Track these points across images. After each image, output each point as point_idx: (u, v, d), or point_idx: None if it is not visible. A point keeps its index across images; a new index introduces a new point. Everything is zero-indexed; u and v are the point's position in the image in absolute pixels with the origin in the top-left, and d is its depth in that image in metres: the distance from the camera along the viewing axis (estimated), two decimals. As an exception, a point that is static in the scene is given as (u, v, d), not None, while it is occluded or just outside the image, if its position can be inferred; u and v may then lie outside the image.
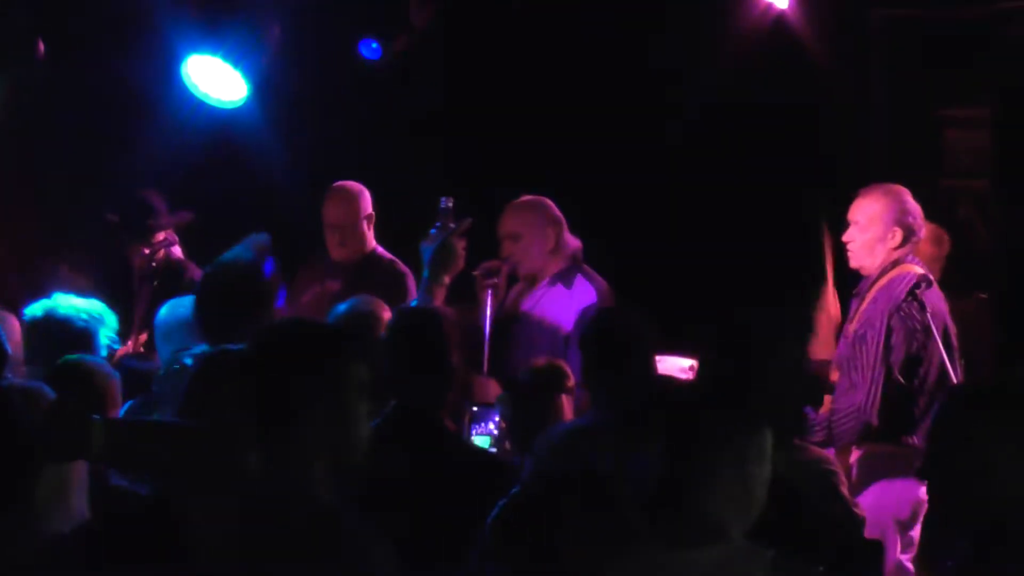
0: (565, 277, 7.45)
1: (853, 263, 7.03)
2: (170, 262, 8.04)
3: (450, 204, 6.57)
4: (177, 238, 8.13)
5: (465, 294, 7.21)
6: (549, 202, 7.57)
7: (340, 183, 8.01)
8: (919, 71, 9.39)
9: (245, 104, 8.49)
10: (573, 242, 7.54)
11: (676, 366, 7.12)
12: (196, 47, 8.31)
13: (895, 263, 6.85)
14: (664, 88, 9.27)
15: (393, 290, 7.32)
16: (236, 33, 8.21)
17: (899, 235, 6.86)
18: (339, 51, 8.66)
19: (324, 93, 9.42)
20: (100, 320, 6.23)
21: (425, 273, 6.48)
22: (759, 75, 9.14)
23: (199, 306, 5.66)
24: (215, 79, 8.38)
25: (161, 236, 8.03)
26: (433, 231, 6.54)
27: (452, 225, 6.56)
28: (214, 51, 8.27)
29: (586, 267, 7.52)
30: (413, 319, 5.44)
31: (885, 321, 6.68)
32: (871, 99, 9.41)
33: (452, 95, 9.61)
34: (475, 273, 7.30)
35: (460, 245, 6.54)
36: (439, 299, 6.45)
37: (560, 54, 9.44)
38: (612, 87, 9.40)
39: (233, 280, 5.61)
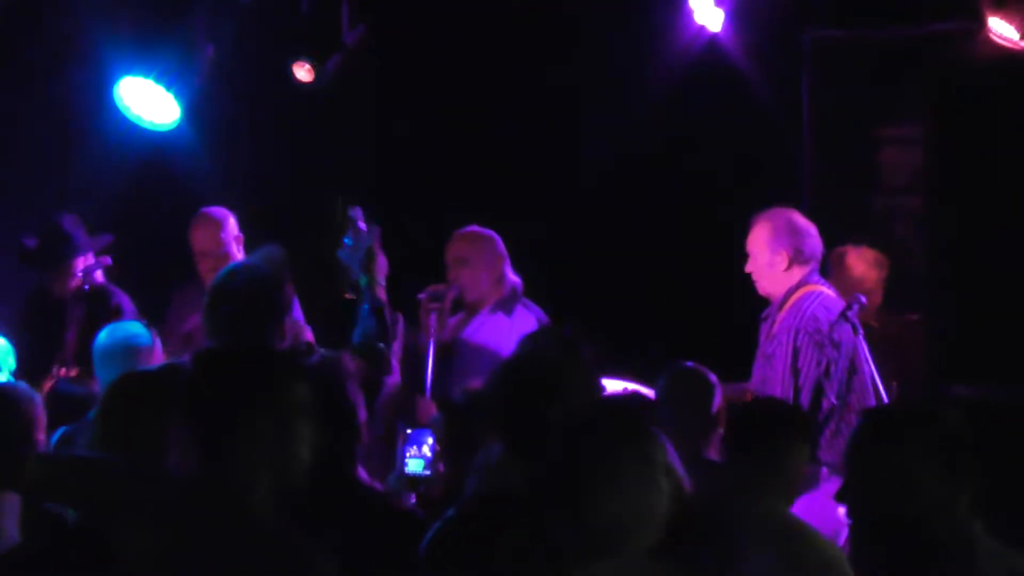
0: (506, 306, 7.51)
1: (760, 291, 7.08)
2: (94, 289, 7.97)
3: (359, 213, 6.65)
4: (96, 262, 8.04)
5: (409, 317, 7.22)
6: (494, 235, 7.64)
7: (206, 209, 8.03)
8: (852, 91, 9.44)
9: (177, 126, 8.45)
10: (514, 278, 7.60)
11: (613, 388, 7.14)
12: (129, 69, 8.27)
13: (799, 285, 6.89)
14: (592, 112, 9.33)
15: None
16: (168, 55, 8.17)
17: (785, 257, 6.91)
18: (271, 72, 8.62)
19: (256, 114, 9.41)
20: None
21: (363, 280, 6.52)
22: (692, 97, 9.18)
23: (217, 310, 5.56)
24: (148, 101, 8.33)
25: (81, 263, 7.95)
26: (347, 240, 6.56)
27: (365, 230, 6.62)
28: (146, 73, 8.22)
29: (526, 300, 7.57)
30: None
31: (791, 341, 6.72)
32: (804, 120, 9.45)
33: (384, 113, 9.63)
34: (420, 296, 7.34)
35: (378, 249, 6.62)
36: (383, 296, 6.58)
37: (489, 75, 9.46)
38: (541, 107, 9.43)
39: (253, 288, 5.54)
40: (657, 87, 9.13)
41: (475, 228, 7.67)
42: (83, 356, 6.93)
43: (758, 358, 6.95)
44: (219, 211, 8.03)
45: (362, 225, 6.77)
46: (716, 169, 9.14)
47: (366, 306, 6.73)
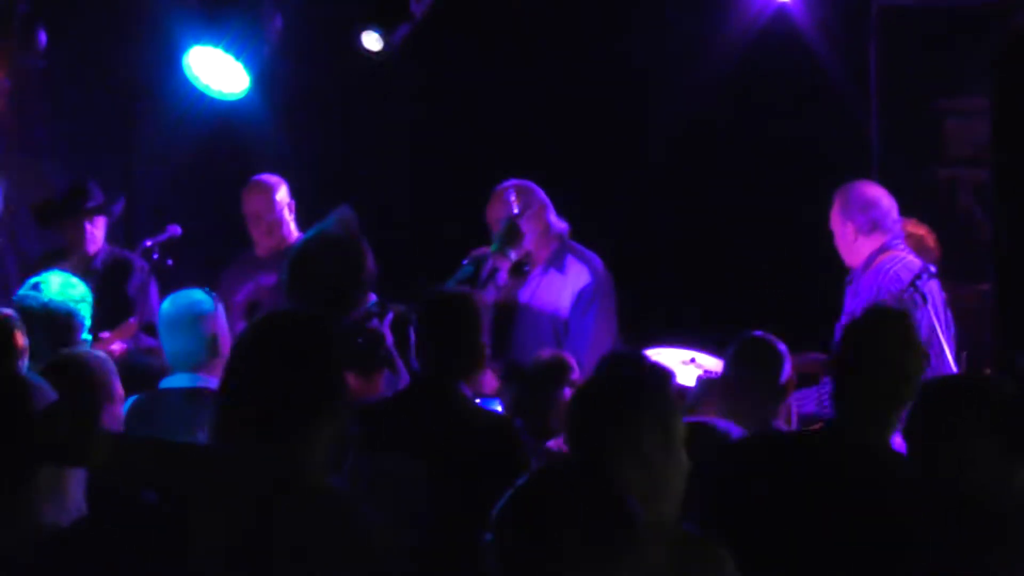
0: (556, 261, 7.48)
1: (846, 262, 7.30)
2: (114, 255, 8.06)
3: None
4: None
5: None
6: (534, 185, 7.61)
7: (258, 176, 8.10)
8: (918, 61, 9.39)
9: (246, 96, 8.48)
10: (560, 224, 7.56)
11: (676, 359, 7.16)
12: (198, 39, 8.30)
13: (880, 250, 6.99)
14: (659, 83, 9.31)
15: None
16: (237, 24, 8.19)
17: (852, 228, 7.06)
18: (341, 42, 8.64)
19: (324, 84, 9.43)
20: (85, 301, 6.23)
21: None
22: (759, 67, 9.16)
23: (301, 276, 5.60)
24: (216, 71, 8.36)
25: (99, 223, 8.00)
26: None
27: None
28: (215, 43, 8.25)
29: (576, 246, 7.55)
30: (445, 299, 5.53)
31: (876, 299, 6.82)
32: (870, 90, 9.41)
33: (447, 83, 9.64)
34: (464, 262, 7.32)
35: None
36: (504, 270, 6.91)
37: (555, 43, 9.45)
38: (607, 77, 9.43)
39: (335, 252, 5.59)
40: (725, 57, 9.10)
41: (510, 183, 7.62)
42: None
43: (843, 319, 7.03)
44: (271, 177, 8.08)
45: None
46: (784, 139, 9.12)
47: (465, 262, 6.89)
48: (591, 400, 3.87)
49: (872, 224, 7.11)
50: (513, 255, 6.97)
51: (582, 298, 7.36)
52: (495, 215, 7.51)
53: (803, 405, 6.96)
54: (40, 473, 3.77)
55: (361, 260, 5.60)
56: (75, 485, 3.94)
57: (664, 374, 6.09)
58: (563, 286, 7.38)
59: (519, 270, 7.37)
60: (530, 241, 7.42)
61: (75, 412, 3.63)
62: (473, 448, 4.98)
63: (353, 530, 3.71)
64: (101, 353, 5.58)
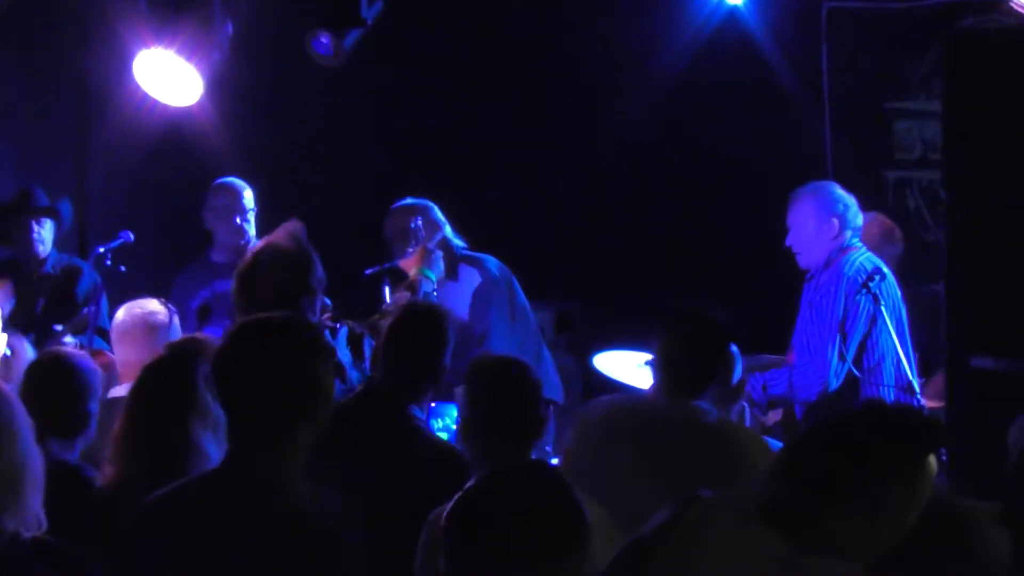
0: (451, 273, 7.61)
1: (801, 264, 7.33)
2: (64, 262, 8.05)
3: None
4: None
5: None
6: (428, 204, 7.76)
7: (222, 179, 8.14)
8: (868, 63, 9.44)
9: (197, 101, 8.45)
10: (452, 239, 7.72)
11: (632, 361, 7.17)
12: (149, 44, 8.26)
13: (841, 250, 7.06)
14: (609, 87, 9.34)
15: None
16: (187, 30, 8.15)
17: (835, 225, 7.12)
18: (291, 46, 8.63)
19: (275, 90, 9.42)
20: None
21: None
22: (710, 69, 9.19)
23: (249, 284, 5.59)
24: (167, 77, 8.32)
25: (41, 222, 7.99)
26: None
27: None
28: (166, 48, 8.21)
29: (467, 253, 7.71)
30: (417, 313, 5.61)
31: (841, 303, 6.86)
32: (822, 91, 9.46)
33: (399, 88, 9.64)
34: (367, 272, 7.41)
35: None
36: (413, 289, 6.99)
37: (508, 45, 9.47)
38: (557, 82, 9.45)
39: (285, 266, 5.59)
40: (677, 59, 9.14)
41: (404, 203, 7.77)
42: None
43: (802, 311, 7.18)
44: (235, 182, 8.09)
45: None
46: (736, 141, 9.16)
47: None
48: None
49: (839, 224, 7.16)
50: (434, 275, 7.08)
51: (477, 298, 7.45)
52: (393, 232, 7.70)
53: (773, 387, 7.05)
54: None
55: (309, 267, 5.61)
56: (33, 495, 3.92)
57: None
58: (459, 294, 7.44)
59: (414, 286, 7.45)
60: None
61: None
62: (414, 480, 5.02)
63: (326, 536, 3.73)
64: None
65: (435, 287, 7.18)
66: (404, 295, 7.15)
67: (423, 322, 5.43)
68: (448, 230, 7.72)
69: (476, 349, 7.24)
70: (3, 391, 3.82)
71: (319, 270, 5.67)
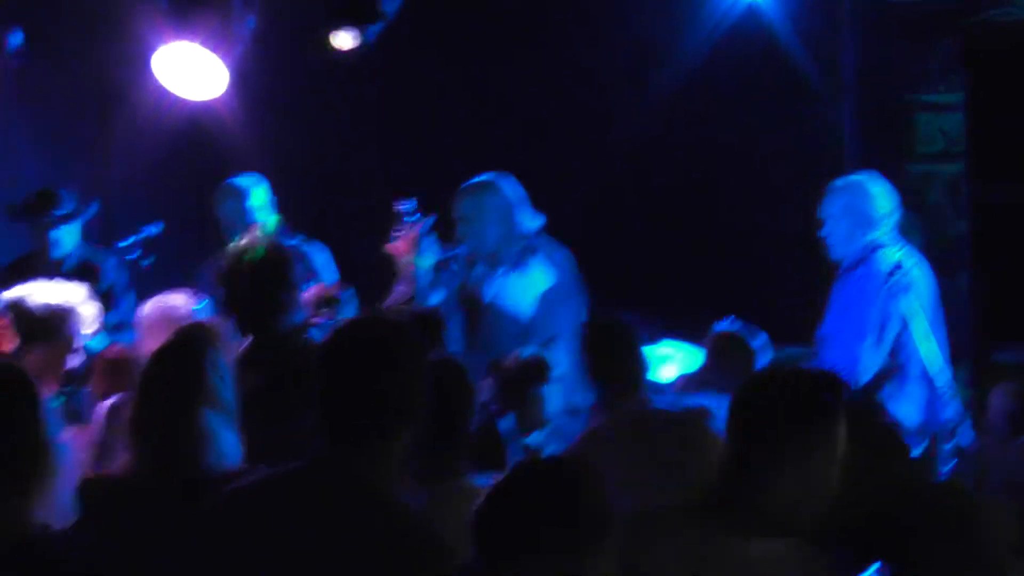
0: (519, 262, 7.41)
1: (833, 256, 7.27)
2: (83, 259, 8.05)
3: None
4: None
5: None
6: (504, 182, 7.54)
7: (230, 180, 8.09)
8: (891, 56, 9.40)
9: (219, 95, 8.46)
10: (528, 224, 7.50)
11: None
12: (170, 39, 8.26)
13: (875, 245, 7.03)
14: (629, 80, 9.32)
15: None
16: (210, 24, 8.16)
17: (871, 220, 7.04)
18: (311, 41, 8.63)
19: (296, 83, 9.42)
20: None
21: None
22: (731, 63, 9.17)
23: (231, 282, 5.62)
24: (188, 71, 8.33)
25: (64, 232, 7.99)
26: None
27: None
28: (187, 43, 8.21)
29: (544, 245, 7.49)
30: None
31: (874, 299, 6.85)
32: (842, 83, 9.43)
33: (418, 84, 9.63)
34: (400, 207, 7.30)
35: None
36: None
37: (524, 41, 9.46)
38: (576, 74, 9.44)
39: (259, 273, 5.61)
40: (696, 53, 9.12)
41: (477, 180, 7.55)
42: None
43: (832, 305, 7.14)
44: (243, 181, 8.07)
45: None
46: (757, 136, 9.13)
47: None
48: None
49: (875, 220, 7.13)
50: (426, 264, 7.07)
51: (545, 300, 7.33)
52: (459, 211, 7.50)
53: None
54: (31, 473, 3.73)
55: (288, 263, 5.64)
56: (64, 487, 3.92)
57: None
58: (524, 289, 7.35)
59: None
60: (492, 238, 7.42)
61: None
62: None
63: (420, 541, 3.63)
64: None
65: (431, 276, 7.09)
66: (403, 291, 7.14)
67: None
68: (521, 215, 7.48)
69: (519, 343, 7.09)
70: (28, 377, 3.78)
71: (297, 267, 5.70)
